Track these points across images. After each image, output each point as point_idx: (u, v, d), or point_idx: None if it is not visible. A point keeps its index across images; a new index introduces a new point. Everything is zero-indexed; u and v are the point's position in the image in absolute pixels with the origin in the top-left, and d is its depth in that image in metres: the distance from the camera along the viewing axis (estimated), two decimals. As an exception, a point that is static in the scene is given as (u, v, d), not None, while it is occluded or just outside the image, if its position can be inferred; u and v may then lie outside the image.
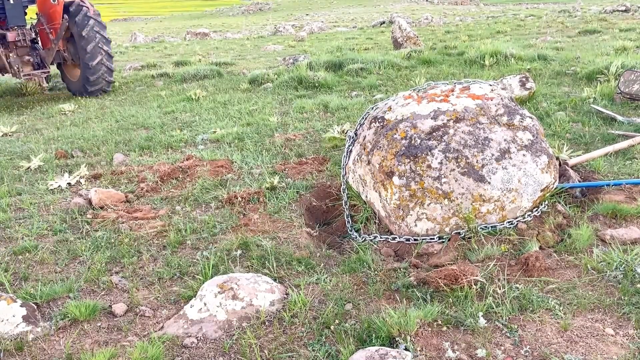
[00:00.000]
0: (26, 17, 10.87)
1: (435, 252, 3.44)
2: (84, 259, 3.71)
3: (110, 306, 3.13)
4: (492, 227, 3.51)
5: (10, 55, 10.35)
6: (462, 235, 3.51)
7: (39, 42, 11.10)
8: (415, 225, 3.57)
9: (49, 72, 10.84)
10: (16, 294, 3.20)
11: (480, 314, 2.75)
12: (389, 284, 3.15)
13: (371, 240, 3.70)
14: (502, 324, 2.71)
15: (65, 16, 10.21)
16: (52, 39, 10.47)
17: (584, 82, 7.70)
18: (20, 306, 2.97)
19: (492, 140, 3.60)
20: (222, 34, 29.18)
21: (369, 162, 3.85)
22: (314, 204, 4.43)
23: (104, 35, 10.63)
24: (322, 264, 3.47)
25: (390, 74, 9.61)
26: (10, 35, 10.22)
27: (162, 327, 2.91)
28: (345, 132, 5.92)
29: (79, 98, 10.53)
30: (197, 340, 2.78)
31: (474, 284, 2.96)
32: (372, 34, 20.56)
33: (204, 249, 3.74)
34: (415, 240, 3.55)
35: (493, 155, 3.54)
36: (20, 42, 10.41)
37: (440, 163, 3.51)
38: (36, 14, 10.98)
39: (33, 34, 10.68)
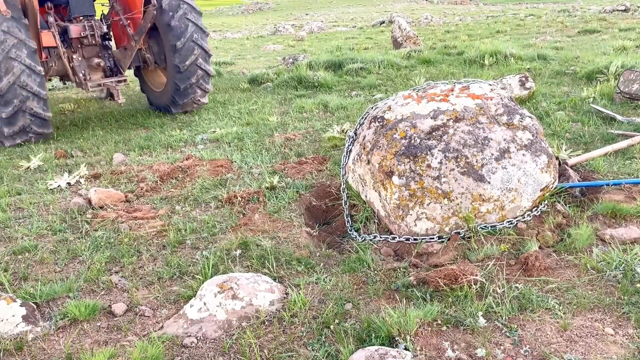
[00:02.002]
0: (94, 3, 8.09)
1: (435, 251, 3.44)
2: (83, 258, 3.71)
3: (110, 306, 3.13)
4: (491, 226, 3.51)
5: (74, 57, 7.47)
6: (461, 235, 3.51)
7: (112, 39, 8.31)
8: (415, 225, 3.57)
9: (126, 80, 7.70)
10: (16, 294, 3.20)
11: (480, 313, 2.75)
12: (389, 283, 3.15)
13: (371, 240, 3.70)
14: (502, 324, 2.71)
15: (153, 1, 7.16)
16: (131, 33, 7.54)
17: (584, 81, 7.70)
18: (20, 306, 2.97)
19: (491, 139, 3.60)
20: (221, 33, 29.17)
21: (368, 162, 3.85)
22: (314, 203, 4.43)
23: (199, 25, 7.61)
24: (322, 264, 3.47)
25: (390, 73, 9.61)
26: (75, 30, 7.34)
27: (162, 327, 2.91)
28: (344, 131, 5.92)
29: (79, 97, 10.30)
30: (197, 340, 2.78)
31: (474, 284, 2.97)
32: (371, 34, 20.56)
33: (203, 249, 3.74)
34: (415, 240, 3.55)
35: (493, 154, 3.54)
36: (87, 38, 7.47)
37: (440, 163, 3.51)
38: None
39: (105, 28, 7.70)
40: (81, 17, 7.69)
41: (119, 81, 7.56)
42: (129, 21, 7.67)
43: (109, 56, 7.84)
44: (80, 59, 7.54)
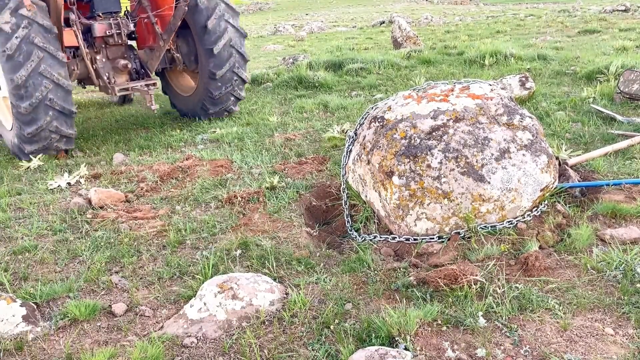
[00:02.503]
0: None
1: (435, 251, 3.44)
2: (83, 258, 3.71)
3: (110, 306, 3.13)
4: (491, 226, 3.51)
5: (98, 58, 6.72)
6: (461, 235, 3.51)
7: (137, 38, 7.58)
8: (415, 225, 3.57)
9: (156, 84, 6.94)
10: (16, 294, 3.20)
11: (480, 313, 2.75)
12: (389, 283, 3.15)
13: (371, 240, 3.70)
14: (502, 324, 2.71)
15: None
16: (160, 32, 6.84)
17: (584, 81, 7.70)
18: (20, 306, 2.97)
19: (491, 140, 3.61)
20: (221, 33, 29.10)
21: (368, 162, 3.85)
22: (314, 203, 4.43)
23: (237, 28, 7.06)
24: (322, 264, 3.47)
25: (390, 73, 9.61)
26: (99, 28, 6.57)
27: (162, 327, 2.91)
28: (345, 131, 5.92)
29: (79, 98, 10.25)
30: (197, 340, 2.78)
31: (474, 284, 2.97)
32: (371, 34, 20.56)
33: (203, 249, 3.74)
34: (415, 240, 3.55)
35: (493, 155, 3.54)
36: (113, 37, 6.68)
37: (440, 163, 3.51)
38: None
39: (132, 26, 6.89)
40: (105, 14, 6.87)
41: (148, 85, 6.77)
42: (156, 19, 6.95)
43: (135, 57, 7.07)
44: (104, 60, 6.77)
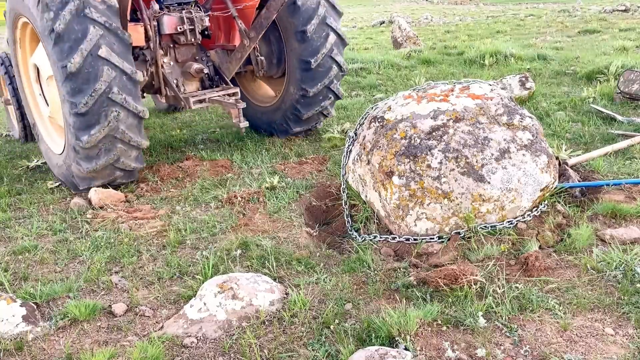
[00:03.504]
0: None
1: (435, 251, 3.44)
2: (83, 258, 3.71)
3: (110, 306, 3.13)
4: (491, 226, 3.51)
5: (165, 61, 5.43)
6: (461, 235, 3.51)
7: (209, 37, 5.92)
8: (415, 225, 3.57)
9: (238, 94, 5.53)
10: (16, 294, 3.20)
11: (480, 313, 2.75)
12: (389, 283, 3.15)
13: (371, 240, 3.70)
14: (502, 324, 2.71)
15: None
16: (244, 29, 5.39)
17: (584, 81, 7.70)
18: (20, 306, 2.98)
19: (491, 140, 3.61)
20: (221, 33, 29.02)
21: (368, 162, 3.85)
22: (314, 203, 4.43)
23: (332, 2, 5.59)
24: (322, 264, 3.47)
25: (390, 73, 9.61)
26: (170, 23, 5.23)
27: (162, 327, 2.91)
28: (345, 131, 5.92)
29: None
30: (197, 340, 2.78)
31: (474, 284, 2.97)
32: (371, 34, 20.54)
33: (203, 249, 3.74)
34: (415, 240, 3.55)
35: (493, 155, 3.54)
36: (185, 35, 5.35)
37: (440, 163, 3.51)
38: None
39: (207, 21, 5.50)
40: (173, 6, 5.44)
41: (230, 95, 5.43)
42: (237, 10, 5.54)
43: (208, 59, 5.75)
44: (171, 63, 5.47)
